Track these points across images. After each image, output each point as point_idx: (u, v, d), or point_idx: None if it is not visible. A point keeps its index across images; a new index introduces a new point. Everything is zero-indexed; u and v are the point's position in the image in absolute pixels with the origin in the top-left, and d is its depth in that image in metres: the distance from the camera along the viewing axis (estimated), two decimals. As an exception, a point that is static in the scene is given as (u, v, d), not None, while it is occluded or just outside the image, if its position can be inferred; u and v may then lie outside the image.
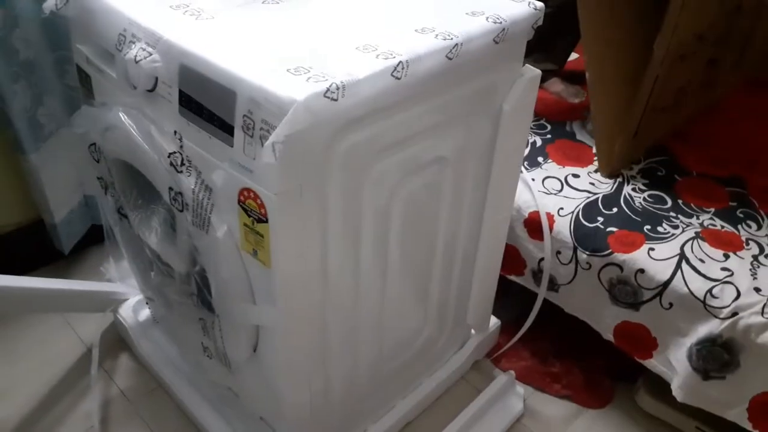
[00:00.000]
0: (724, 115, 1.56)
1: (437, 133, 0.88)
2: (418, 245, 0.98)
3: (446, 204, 0.98)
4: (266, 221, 0.72)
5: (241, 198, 0.73)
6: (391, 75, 0.72)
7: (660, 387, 1.20)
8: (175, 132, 0.79)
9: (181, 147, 0.79)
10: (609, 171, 1.30)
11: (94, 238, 1.57)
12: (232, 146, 0.71)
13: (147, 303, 1.21)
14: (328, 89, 0.66)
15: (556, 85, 1.62)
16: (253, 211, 0.73)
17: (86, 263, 1.55)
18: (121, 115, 0.84)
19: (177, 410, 1.21)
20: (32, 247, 1.48)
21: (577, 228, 1.17)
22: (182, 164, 0.79)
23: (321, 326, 0.88)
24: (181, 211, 0.81)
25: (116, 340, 1.35)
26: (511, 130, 0.98)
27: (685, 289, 1.05)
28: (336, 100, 0.66)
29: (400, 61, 0.73)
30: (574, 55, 1.76)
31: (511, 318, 1.35)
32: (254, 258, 0.77)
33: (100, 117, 0.90)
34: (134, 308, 1.31)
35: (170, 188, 0.81)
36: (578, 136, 1.45)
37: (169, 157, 0.79)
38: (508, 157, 1.02)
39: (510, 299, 1.32)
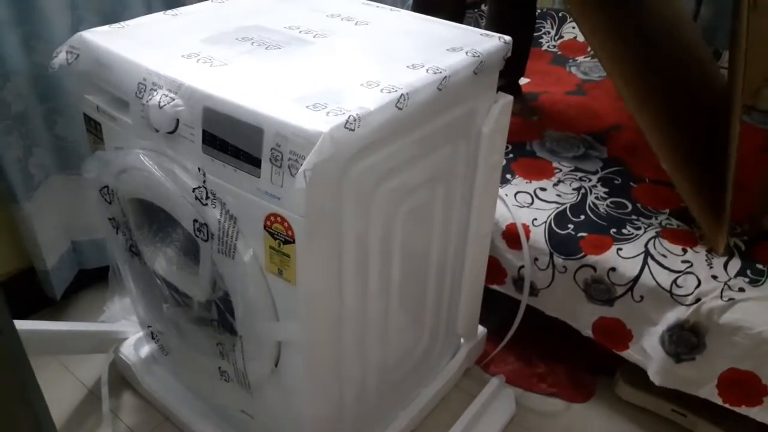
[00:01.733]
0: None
1: (428, 157, 0.98)
2: (414, 261, 1.07)
3: (437, 222, 1.08)
4: (293, 242, 0.80)
5: (267, 223, 0.81)
6: (395, 106, 0.82)
7: (636, 377, 1.32)
8: (199, 169, 0.86)
9: (205, 182, 0.86)
10: (725, 248, 1.22)
11: (81, 283, 1.60)
12: (258, 177, 0.79)
13: (153, 337, 1.25)
14: (347, 121, 0.75)
15: (514, 107, 1.74)
16: (279, 234, 0.81)
17: (77, 308, 1.57)
18: (141, 157, 0.91)
19: (187, 440, 1.25)
20: (23, 295, 1.49)
21: (551, 236, 1.29)
22: (207, 197, 0.86)
23: (338, 339, 0.96)
24: (206, 240, 0.88)
25: (117, 379, 1.38)
26: (489, 149, 1.09)
27: (653, 281, 1.17)
28: (353, 130, 0.76)
29: (402, 94, 0.83)
30: (524, 80, 1.92)
31: (495, 325, 1.45)
32: (279, 278, 0.85)
33: (115, 160, 0.96)
34: (135, 346, 1.35)
35: (195, 220, 0.87)
36: (538, 153, 1.58)
37: (193, 192, 0.86)
38: (488, 173, 1.12)
39: (492, 308, 1.42)
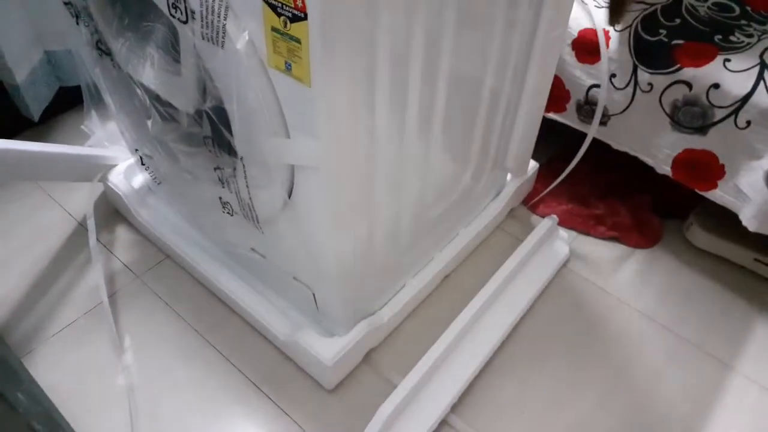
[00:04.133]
0: None
1: None
2: (467, 71, 0.82)
3: (500, 21, 0.81)
4: (304, 17, 0.55)
5: (268, -10, 0.56)
6: None
7: (714, 221, 1.12)
8: None
9: (177, -69, 0.60)
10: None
11: (64, 104, 1.38)
12: None
13: (143, 163, 1.05)
14: None
15: None
16: (285, 6, 0.55)
17: (60, 132, 1.36)
18: None
19: (191, 280, 1.09)
20: (-4, 116, 1.29)
21: (638, 43, 1.01)
22: (181, -45, 0.60)
23: (367, 166, 0.74)
24: (185, 22, 0.63)
25: (110, 212, 1.20)
26: None
27: (768, 103, 0.92)
28: None
29: None
30: None
31: (544, 161, 1.23)
32: (287, 74, 0.61)
33: None
34: (126, 174, 1.16)
35: (168, -9, 0.62)
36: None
37: (162, -54, 0.60)
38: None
39: (542, 141, 1.18)
